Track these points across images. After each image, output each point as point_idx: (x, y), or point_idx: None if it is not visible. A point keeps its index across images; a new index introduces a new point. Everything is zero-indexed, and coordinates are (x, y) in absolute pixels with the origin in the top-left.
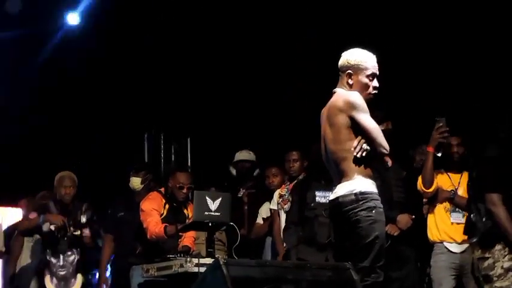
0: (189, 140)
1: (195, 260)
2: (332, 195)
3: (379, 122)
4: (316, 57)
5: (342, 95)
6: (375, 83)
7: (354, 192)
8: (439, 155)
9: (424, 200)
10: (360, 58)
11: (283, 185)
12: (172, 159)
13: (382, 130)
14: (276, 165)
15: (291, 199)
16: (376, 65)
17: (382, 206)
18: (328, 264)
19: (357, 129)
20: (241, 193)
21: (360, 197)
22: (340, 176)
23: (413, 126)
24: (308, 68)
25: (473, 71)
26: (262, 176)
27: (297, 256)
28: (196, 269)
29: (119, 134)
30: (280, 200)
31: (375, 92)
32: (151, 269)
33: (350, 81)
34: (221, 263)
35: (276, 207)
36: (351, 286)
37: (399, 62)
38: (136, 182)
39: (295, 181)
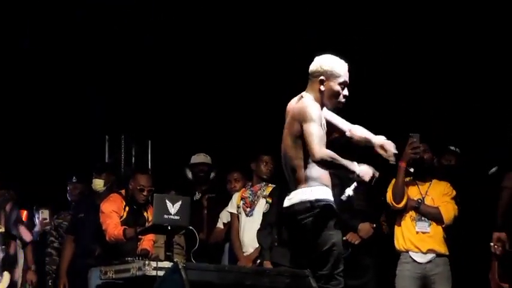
0: (149, 142)
1: (153, 264)
2: (287, 202)
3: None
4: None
5: (302, 104)
6: (346, 91)
7: (309, 200)
8: (411, 170)
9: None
10: (334, 65)
11: (243, 188)
12: (133, 161)
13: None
14: (237, 170)
15: (255, 201)
16: (348, 73)
17: (337, 214)
18: (287, 271)
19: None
20: (198, 196)
21: (316, 204)
22: (296, 183)
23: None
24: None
25: (473, 70)
26: (219, 180)
27: (270, 259)
28: (154, 273)
29: (80, 136)
30: (242, 202)
31: (343, 100)
32: (109, 271)
33: (322, 88)
34: (180, 266)
35: (234, 211)
36: None
37: (399, 62)
38: (99, 184)
39: (269, 185)
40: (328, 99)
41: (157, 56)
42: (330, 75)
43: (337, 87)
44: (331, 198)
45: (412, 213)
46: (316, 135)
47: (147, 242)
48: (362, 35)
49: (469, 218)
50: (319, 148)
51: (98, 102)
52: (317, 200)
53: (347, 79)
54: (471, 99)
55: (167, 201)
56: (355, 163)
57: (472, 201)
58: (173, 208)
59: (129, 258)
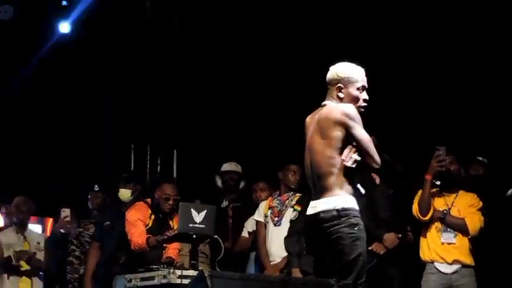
0: (175, 151)
1: (178, 272)
2: (311, 210)
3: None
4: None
5: (336, 106)
6: (365, 95)
7: (336, 208)
8: (438, 183)
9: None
10: (350, 71)
11: (270, 197)
12: (158, 170)
13: None
14: (263, 180)
15: (283, 210)
16: (365, 77)
17: (363, 223)
18: (312, 280)
19: (351, 141)
20: (225, 204)
21: (342, 213)
22: (322, 191)
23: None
24: (302, 80)
25: (473, 71)
26: (247, 189)
27: (300, 267)
28: (179, 281)
29: (106, 145)
30: (270, 212)
31: (365, 104)
32: (134, 279)
33: (340, 95)
34: (205, 275)
35: (261, 219)
36: None
37: (400, 62)
38: (125, 194)
39: (297, 194)
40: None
41: (183, 66)
42: (347, 82)
43: (356, 92)
44: (357, 208)
45: (437, 224)
46: (370, 140)
47: (172, 250)
48: (362, 35)
49: (495, 228)
50: (377, 155)
51: (124, 112)
52: (344, 209)
53: (365, 84)
54: (471, 99)
55: (192, 209)
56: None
57: (500, 212)
58: (198, 217)
59: (154, 266)
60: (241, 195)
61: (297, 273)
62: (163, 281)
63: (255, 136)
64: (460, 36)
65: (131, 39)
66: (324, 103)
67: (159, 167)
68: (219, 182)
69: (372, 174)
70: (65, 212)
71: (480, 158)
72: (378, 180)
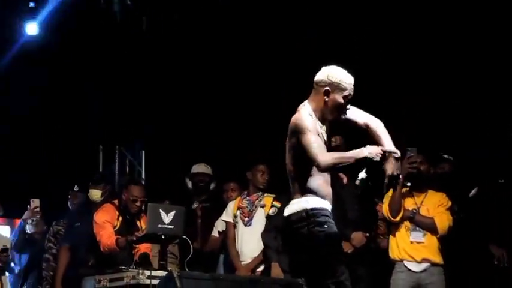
0: (143, 153)
1: (147, 272)
2: (286, 212)
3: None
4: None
5: (294, 117)
6: (348, 106)
7: (305, 209)
8: (409, 184)
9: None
10: (341, 77)
11: (239, 197)
12: (127, 171)
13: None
14: (234, 180)
15: (253, 210)
16: (353, 87)
17: (333, 222)
18: (281, 280)
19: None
20: (195, 205)
21: (310, 213)
22: (293, 193)
23: None
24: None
25: (441, 68)
26: (217, 190)
27: (279, 263)
28: (148, 281)
29: (74, 146)
30: (239, 212)
31: (342, 116)
32: (103, 280)
33: (326, 99)
34: (175, 275)
35: (230, 220)
36: None
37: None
38: (96, 194)
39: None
40: (330, 111)
41: (151, 67)
42: (335, 87)
43: (341, 101)
44: (327, 207)
45: (407, 223)
46: (313, 144)
47: (144, 249)
48: (362, 35)
49: (464, 227)
50: (321, 155)
51: (92, 112)
52: (312, 209)
53: (352, 93)
54: (452, 96)
55: (161, 210)
56: (362, 148)
57: (467, 209)
58: (167, 217)
59: (123, 267)
60: (212, 196)
61: (276, 267)
62: (132, 281)
63: (225, 135)
64: (435, 36)
65: (98, 41)
66: (303, 104)
67: (127, 168)
68: (189, 184)
69: (340, 174)
70: (35, 203)
71: (446, 156)
72: (345, 180)
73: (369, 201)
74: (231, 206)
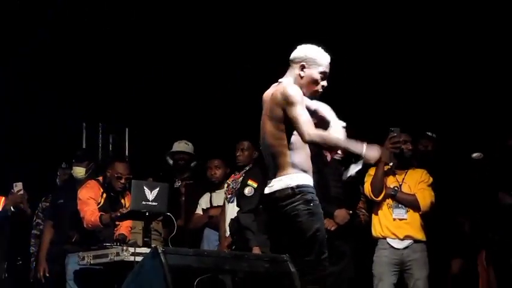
0: (127, 130)
1: (131, 249)
2: (267, 189)
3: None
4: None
5: (282, 87)
6: (325, 82)
7: (291, 186)
8: (391, 164)
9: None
10: (317, 53)
11: (232, 175)
12: (110, 148)
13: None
14: (218, 157)
15: (236, 187)
16: (329, 66)
17: (318, 199)
18: (266, 256)
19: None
20: (178, 184)
21: (297, 190)
22: (277, 170)
23: None
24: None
25: (426, 47)
26: (199, 168)
27: (259, 245)
28: (132, 258)
29: (57, 123)
30: (226, 189)
31: (321, 90)
32: (87, 257)
33: (302, 74)
34: (159, 251)
35: (223, 199)
36: (288, 278)
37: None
38: (80, 172)
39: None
40: (306, 86)
41: (136, 42)
42: (312, 63)
43: (317, 76)
44: (312, 184)
45: (389, 200)
46: (302, 116)
47: (124, 228)
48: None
49: (446, 204)
50: (308, 129)
51: (76, 89)
52: (298, 186)
53: (327, 70)
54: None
55: (145, 187)
56: (361, 143)
57: (449, 187)
58: (151, 194)
59: (107, 244)
60: (194, 173)
61: (257, 251)
62: (116, 258)
63: (211, 112)
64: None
65: (83, 16)
66: (280, 80)
67: (110, 146)
68: (170, 162)
69: (324, 151)
70: (17, 187)
71: (429, 134)
72: (329, 157)
73: (353, 179)
74: (224, 186)
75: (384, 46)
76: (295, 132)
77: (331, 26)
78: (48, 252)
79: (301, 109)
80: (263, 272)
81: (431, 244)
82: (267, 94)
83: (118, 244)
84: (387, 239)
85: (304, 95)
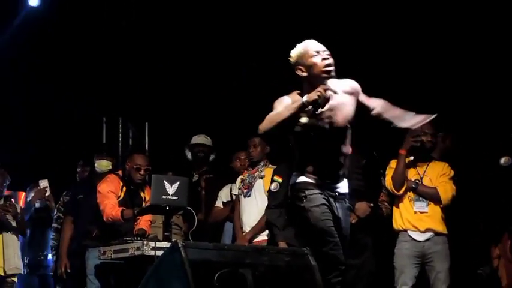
0: (147, 124)
1: (152, 244)
2: None
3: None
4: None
5: None
6: (324, 55)
7: (290, 186)
8: (412, 158)
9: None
10: (297, 49)
11: (245, 171)
12: (130, 143)
13: None
14: (244, 150)
15: (252, 182)
16: (318, 45)
17: (317, 192)
18: (286, 249)
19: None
20: (196, 178)
21: (292, 189)
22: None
23: None
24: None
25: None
26: (218, 161)
27: (285, 240)
28: (152, 252)
29: (77, 117)
30: (241, 184)
31: (327, 65)
32: (107, 251)
33: (303, 74)
34: (179, 245)
35: (236, 193)
36: (308, 272)
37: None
38: (106, 165)
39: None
40: (313, 75)
41: (155, 38)
42: (300, 59)
43: (311, 60)
44: (311, 181)
45: (410, 193)
46: (271, 114)
47: (144, 222)
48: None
49: (467, 197)
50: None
51: (96, 84)
52: (293, 184)
53: (318, 48)
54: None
55: (165, 181)
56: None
57: (471, 180)
58: (171, 189)
59: (127, 239)
60: (212, 167)
61: (283, 246)
62: (137, 253)
63: (230, 106)
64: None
65: (102, 11)
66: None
67: (130, 140)
68: (188, 155)
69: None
70: (43, 183)
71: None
72: (350, 150)
73: (374, 171)
74: (238, 180)
75: (409, 42)
76: None
77: (342, 24)
78: (68, 248)
79: (276, 109)
80: (283, 266)
81: (454, 237)
82: None
83: (138, 238)
84: (408, 231)
85: (322, 82)
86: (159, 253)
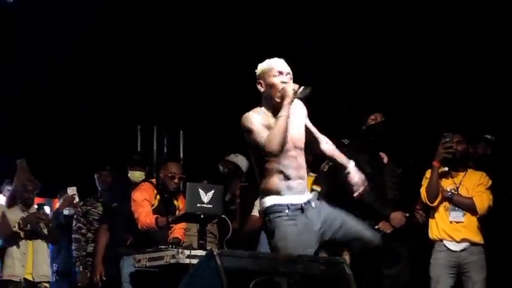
0: (181, 132)
1: (187, 252)
2: None
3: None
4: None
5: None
6: (283, 78)
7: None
8: (446, 169)
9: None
10: (264, 64)
11: None
12: (165, 151)
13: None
14: None
15: None
16: (285, 66)
17: (283, 211)
18: (321, 258)
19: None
20: (227, 198)
21: (263, 213)
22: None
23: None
24: None
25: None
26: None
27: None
28: (187, 261)
29: (112, 126)
30: None
31: (283, 86)
32: (142, 259)
33: (261, 89)
34: (215, 253)
35: None
36: (343, 281)
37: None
38: (140, 176)
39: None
40: (271, 95)
41: (191, 45)
42: (262, 74)
43: (272, 80)
44: (279, 202)
45: (445, 203)
46: (257, 133)
47: (178, 230)
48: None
49: (505, 206)
50: (265, 139)
51: (130, 92)
52: (264, 210)
53: (281, 69)
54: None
55: (200, 190)
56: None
57: (509, 189)
58: (206, 197)
59: (162, 247)
60: (247, 175)
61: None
62: (172, 261)
63: None
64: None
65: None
66: None
67: (165, 148)
68: (221, 169)
69: (380, 153)
70: (71, 191)
71: (488, 136)
72: (386, 160)
73: (410, 181)
74: None
75: (438, 49)
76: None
77: (342, 24)
78: (104, 256)
79: (254, 129)
80: (318, 274)
81: (490, 247)
82: None
83: (173, 247)
84: (444, 241)
85: (276, 104)
86: (194, 261)
